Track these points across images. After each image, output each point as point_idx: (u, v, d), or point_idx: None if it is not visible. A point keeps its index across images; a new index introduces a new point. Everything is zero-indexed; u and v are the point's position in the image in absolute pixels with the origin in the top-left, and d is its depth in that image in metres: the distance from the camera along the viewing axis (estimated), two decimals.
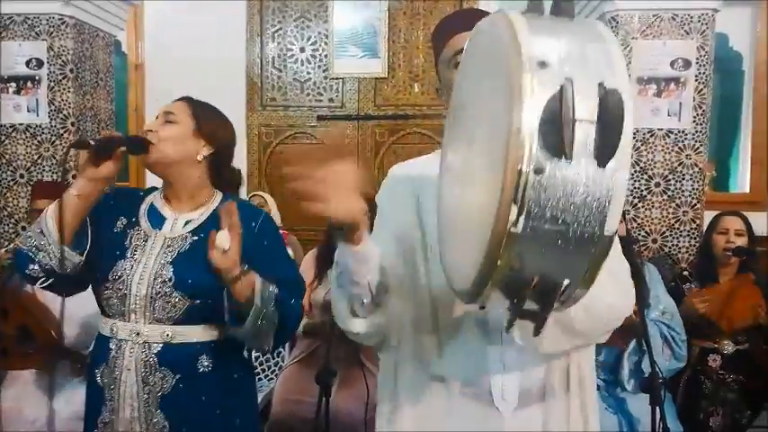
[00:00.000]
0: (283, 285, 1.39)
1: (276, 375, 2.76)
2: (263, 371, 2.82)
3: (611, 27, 2.99)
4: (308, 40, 4.46)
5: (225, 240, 1.28)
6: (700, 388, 2.45)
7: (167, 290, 1.36)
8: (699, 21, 2.95)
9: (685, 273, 2.66)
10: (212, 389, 1.40)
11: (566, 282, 0.68)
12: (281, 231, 3.67)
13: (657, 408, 1.91)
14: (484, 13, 1.24)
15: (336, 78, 4.43)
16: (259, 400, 2.17)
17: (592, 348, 1.22)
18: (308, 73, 4.48)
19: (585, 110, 0.62)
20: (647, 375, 2.04)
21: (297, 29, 4.47)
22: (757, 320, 2.44)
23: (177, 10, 4.24)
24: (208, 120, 1.46)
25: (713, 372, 2.46)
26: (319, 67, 4.46)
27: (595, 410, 1.21)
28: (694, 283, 2.59)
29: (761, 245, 3.24)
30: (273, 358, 2.85)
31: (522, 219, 0.63)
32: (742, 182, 4.56)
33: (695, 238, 3.05)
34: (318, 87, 4.48)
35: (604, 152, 0.63)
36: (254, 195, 3.79)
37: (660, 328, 2.41)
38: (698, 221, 3.06)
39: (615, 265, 1.13)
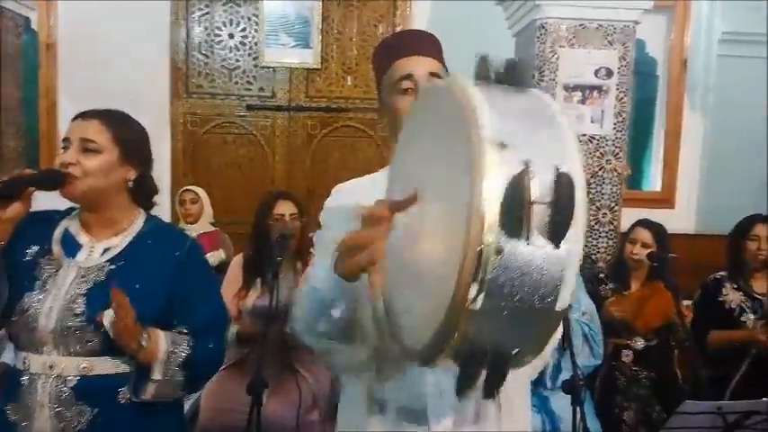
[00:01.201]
0: (205, 322, 1.35)
1: None
2: None
3: (540, 34, 3.08)
4: (238, 25, 4.32)
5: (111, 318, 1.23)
6: (614, 384, 2.61)
7: (79, 324, 1.27)
8: (621, 32, 3.08)
9: (601, 275, 2.81)
10: (134, 421, 1.32)
11: (515, 351, 0.70)
12: (212, 229, 3.60)
13: (578, 408, 2.02)
14: (429, 36, 1.23)
15: (267, 67, 4.32)
16: (186, 408, 2.11)
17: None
18: (237, 60, 4.34)
19: (541, 192, 0.64)
20: (568, 378, 2.14)
21: (225, 14, 4.31)
22: (668, 321, 2.61)
23: None
24: (132, 143, 1.36)
25: (627, 367, 2.63)
26: (249, 54, 4.33)
27: (528, 425, 1.27)
28: (610, 285, 2.74)
29: (671, 244, 3.48)
30: None
31: (481, 297, 0.65)
32: (654, 181, 4.86)
33: (613, 239, 3.22)
34: (248, 76, 4.35)
35: (558, 233, 0.65)
36: (186, 191, 3.64)
37: (582, 327, 2.54)
38: (615, 223, 3.23)
39: None
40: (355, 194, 1.21)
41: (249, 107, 4.33)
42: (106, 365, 1.30)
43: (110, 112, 1.37)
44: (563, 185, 0.64)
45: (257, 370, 1.99)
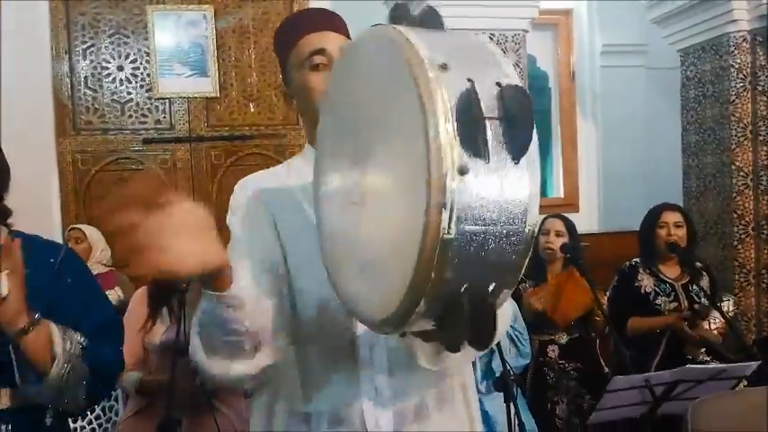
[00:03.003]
0: (95, 331, 1.19)
1: None
2: (94, 430, 2.45)
3: None
4: (127, 57, 4.10)
5: (2, 285, 1.05)
6: (544, 379, 2.61)
7: None
8: (512, 40, 3.20)
9: None
10: None
11: (492, 286, 0.67)
12: (109, 269, 3.32)
13: (512, 404, 1.98)
14: (331, 13, 1.16)
15: (162, 99, 4.12)
16: None
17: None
18: (129, 93, 4.11)
19: (491, 108, 0.63)
20: (498, 375, 2.10)
21: (113, 45, 4.09)
22: (586, 310, 2.65)
23: None
24: None
25: (554, 362, 2.64)
26: (142, 86, 4.11)
27: (479, 421, 1.19)
28: (529, 282, 2.77)
29: (580, 240, 3.59)
30: (106, 414, 2.50)
31: (453, 224, 0.61)
32: (557, 188, 5.07)
33: None
34: (142, 108, 4.13)
35: (517, 147, 0.64)
36: (72, 229, 3.34)
37: (507, 329, 2.53)
38: None
39: None
40: (261, 190, 1.11)
41: (146, 141, 4.10)
42: None
43: None
44: (511, 98, 0.63)
45: (168, 407, 1.80)
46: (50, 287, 1.14)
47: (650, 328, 2.60)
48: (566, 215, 2.88)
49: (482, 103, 0.62)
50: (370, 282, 0.76)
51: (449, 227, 0.62)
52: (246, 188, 1.12)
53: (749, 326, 3.37)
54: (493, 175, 0.63)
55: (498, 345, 2.11)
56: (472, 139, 0.62)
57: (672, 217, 2.71)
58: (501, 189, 0.64)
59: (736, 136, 3.40)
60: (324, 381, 1.05)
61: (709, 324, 2.47)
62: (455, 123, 0.61)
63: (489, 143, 0.63)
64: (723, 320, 2.43)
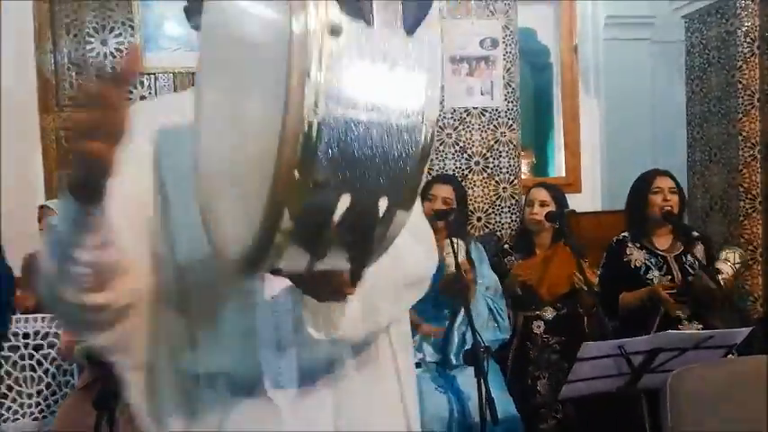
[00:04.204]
0: None
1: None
2: (49, 406, 2.34)
3: None
4: (111, 31, 4.00)
5: None
6: (526, 355, 2.45)
7: None
8: (501, 0, 3.03)
9: (506, 246, 2.68)
10: None
11: (383, 202, 0.52)
12: None
13: (482, 379, 1.84)
14: None
15: (147, 73, 4.01)
16: None
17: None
18: (113, 68, 4.00)
19: None
20: (469, 347, 1.96)
21: (96, 19, 3.99)
22: (573, 286, 2.49)
23: None
24: None
25: (538, 338, 2.49)
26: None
27: (408, 372, 1.04)
28: (515, 255, 2.61)
29: (577, 219, 3.42)
30: (62, 390, 2.38)
31: (321, 101, 0.47)
32: (559, 167, 4.88)
33: (515, 214, 3.11)
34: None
35: (412, 17, 0.50)
36: (43, 207, 3.23)
37: (487, 301, 2.38)
38: (516, 197, 3.13)
39: (419, 225, 0.98)
40: (149, 119, 0.95)
41: None
42: None
43: None
44: None
45: (104, 379, 1.68)
46: None
47: (638, 300, 2.42)
48: (552, 184, 2.72)
49: None
50: (238, 214, 0.62)
51: (315, 105, 0.47)
52: (134, 116, 0.99)
53: (755, 306, 3.17)
54: (379, 46, 0.49)
55: (470, 315, 1.96)
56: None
57: (666, 182, 2.53)
58: (391, 67, 0.50)
59: (742, 104, 3.20)
60: (217, 337, 0.90)
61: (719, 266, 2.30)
62: None
63: (375, 6, 0.49)
64: (730, 274, 2.25)
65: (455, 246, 2.09)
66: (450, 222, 2.28)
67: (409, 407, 1.04)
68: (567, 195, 4.52)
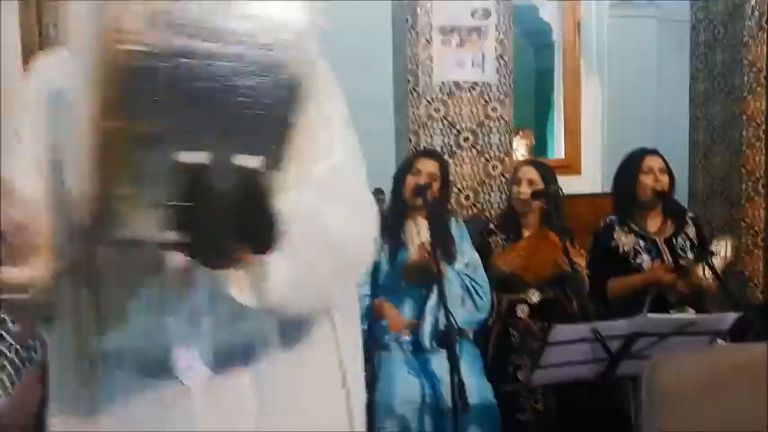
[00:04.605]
0: None
1: None
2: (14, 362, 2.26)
3: None
4: None
5: None
6: (509, 341, 2.34)
7: None
8: None
9: (492, 226, 2.55)
10: None
11: (243, 159, 0.43)
12: None
13: (454, 362, 1.74)
14: None
15: None
16: None
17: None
18: None
19: None
20: (443, 328, 1.85)
21: None
22: (560, 271, 2.37)
23: None
24: None
25: (522, 323, 2.37)
26: None
27: (356, 369, 0.95)
28: (500, 236, 2.49)
29: (576, 206, 3.30)
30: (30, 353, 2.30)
31: (147, 24, 0.37)
32: (558, 149, 4.74)
33: (505, 193, 2.98)
34: None
35: None
36: None
37: (462, 279, 2.27)
38: (507, 175, 3.00)
39: (359, 194, 0.88)
40: (53, 71, 0.85)
41: None
42: None
43: None
44: None
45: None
46: None
47: (631, 287, 2.31)
48: (542, 162, 2.58)
49: None
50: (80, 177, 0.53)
51: (140, 31, 0.37)
52: (41, 66, 0.88)
53: (755, 292, 3.04)
54: None
55: (442, 296, 1.85)
56: None
57: (655, 162, 2.40)
58: None
59: (748, 82, 3.04)
60: (123, 313, 0.80)
61: (704, 272, 2.16)
62: None
63: None
64: (720, 267, 2.13)
65: (419, 228, 2.00)
66: (428, 199, 2.17)
67: (353, 397, 0.94)
68: (566, 178, 4.42)
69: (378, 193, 2.06)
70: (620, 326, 1.47)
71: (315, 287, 0.82)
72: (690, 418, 1.26)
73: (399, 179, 2.33)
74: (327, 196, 0.80)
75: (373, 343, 2.15)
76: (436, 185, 2.29)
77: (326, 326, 0.92)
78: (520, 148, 4.61)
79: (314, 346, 0.90)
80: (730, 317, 1.53)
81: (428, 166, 2.33)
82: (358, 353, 0.99)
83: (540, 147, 4.92)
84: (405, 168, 2.36)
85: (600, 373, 1.57)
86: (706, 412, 1.27)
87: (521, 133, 5.04)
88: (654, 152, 2.46)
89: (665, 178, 2.36)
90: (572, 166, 4.54)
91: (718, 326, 1.53)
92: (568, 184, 4.37)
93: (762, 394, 1.23)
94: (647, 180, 2.38)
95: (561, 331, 1.44)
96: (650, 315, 1.46)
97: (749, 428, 1.24)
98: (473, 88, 2.91)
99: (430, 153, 2.55)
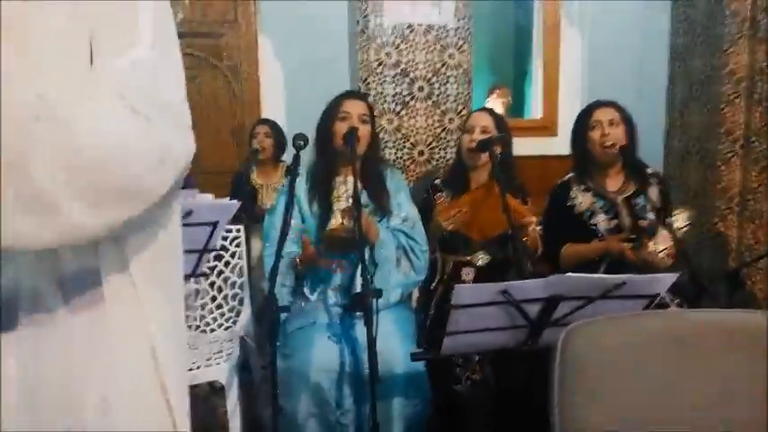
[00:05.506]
0: None
1: None
2: None
3: None
4: None
5: None
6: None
7: None
8: None
9: (437, 182, 2.34)
10: None
11: None
12: None
13: (369, 328, 1.55)
14: None
15: None
16: None
17: None
18: None
19: None
20: (359, 291, 1.66)
21: None
22: (507, 229, 2.16)
23: None
24: None
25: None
26: None
27: (170, 337, 0.77)
28: (445, 192, 2.28)
29: (551, 166, 3.08)
30: None
31: None
32: (536, 108, 4.50)
33: None
34: None
35: None
36: None
37: (398, 237, 2.06)
38: None
39: (153, 96, 0.69)
40: None
41: None
42: None
43: None
44: None
45: None
46: None
47: (585, 257, 2.11)
48: (499, 113, 2.35)
49: None
50: None
51: None
52: None
53: (727, 260, 2.85)
54: None
55: (362, 259, 1.65)
56: None
57: (605, 114, 2.17)
58: None
59: (730, 33, 2.79)
60: None
61: (656, 244, 1.95)
62: None
63: None
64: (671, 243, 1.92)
65: (348, 186, 1.78)
66: (355, 148, 1.94)
67: (165, 370, 0.75)
68: (542, 139, 4.19)
69: (298, 138, 1.83)
70: (534, 286, 1.26)
71: (66, 216, 0.60)
72: (604, 389, 1.07)
73: (326, 127, 2.08)
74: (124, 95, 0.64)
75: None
76: (366, 129, 2.06)
77: (125, 282, 0.72)
78: (497, 107, 4.36)
79: (106, 310, 0.71)
80: (666, 278, 1.33)
81: (358, 108, 2.09)
82: (178, 318, 0.80)
83: (516, 106, 4.68)
84: (331, 112, 2.09)
85: (521, 341, 1.38)
86: (623, 383, 1.08)
87: (497, 91, 4.79)
88: (608, 104, 2.23)
89: (616, 131, 2.14)
90: (548, 128, 4.31)
91: (652, 288, 1.32)
92: (545, 146, 4.18)
93: (681, 362, 1.05)
94: (594, 135, 2.17)
95: (464, 292, 1.23)
96: (567, 274, 1.25)
97: (667, 399, 1.05)
98: (428, 32, 2.66)
99: (355, 94, 2.26)
